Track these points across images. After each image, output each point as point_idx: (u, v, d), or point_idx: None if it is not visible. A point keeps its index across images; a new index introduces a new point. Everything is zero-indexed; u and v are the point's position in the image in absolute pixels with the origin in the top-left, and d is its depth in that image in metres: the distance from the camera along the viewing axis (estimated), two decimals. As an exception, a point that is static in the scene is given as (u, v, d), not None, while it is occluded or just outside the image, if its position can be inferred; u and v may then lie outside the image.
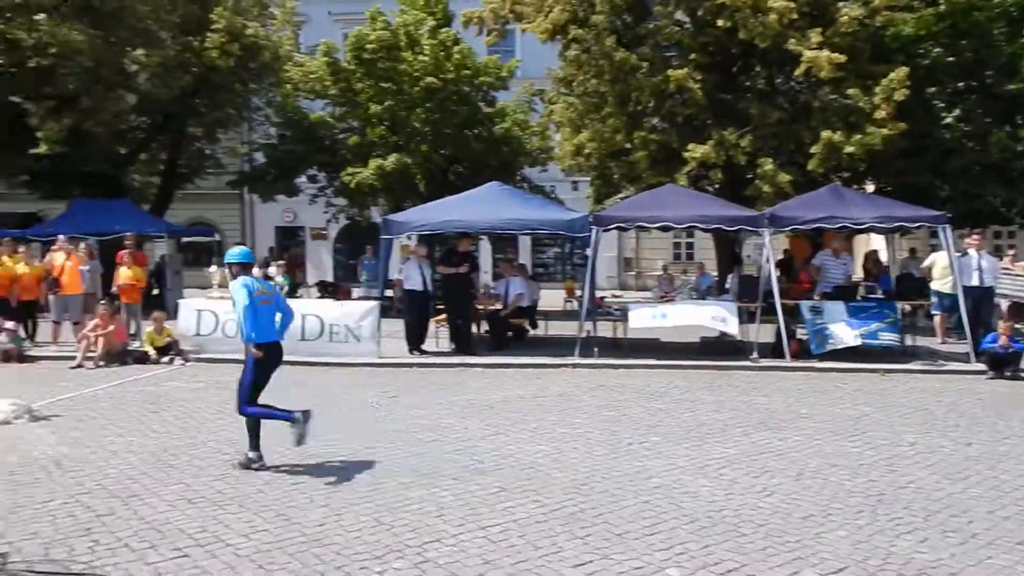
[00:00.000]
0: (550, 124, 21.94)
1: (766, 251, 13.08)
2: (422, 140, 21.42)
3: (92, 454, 7.10)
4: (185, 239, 26.99)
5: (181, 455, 7.05)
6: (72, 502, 5.75)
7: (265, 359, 6.65)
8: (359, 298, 18.43)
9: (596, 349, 12.63)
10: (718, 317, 12.68)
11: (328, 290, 22.80)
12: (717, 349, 13.24)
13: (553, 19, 17.84)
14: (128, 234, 15.71)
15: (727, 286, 16.70)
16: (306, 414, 6.70)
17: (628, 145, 18.49)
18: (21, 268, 14.14)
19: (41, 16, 17.31)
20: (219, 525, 5.26)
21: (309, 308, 13.36)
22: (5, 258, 14.15)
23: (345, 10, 31.19)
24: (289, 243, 34.43)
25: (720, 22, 16.45)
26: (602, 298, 15.38)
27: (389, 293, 16.84)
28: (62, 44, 17.19)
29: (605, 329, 13.75)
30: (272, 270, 14.05)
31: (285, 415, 6.68)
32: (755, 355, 12.26)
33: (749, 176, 17.65)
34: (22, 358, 12.82)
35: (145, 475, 6.43)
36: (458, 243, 14.03)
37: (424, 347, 13.41)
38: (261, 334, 6.61)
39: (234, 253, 7.01)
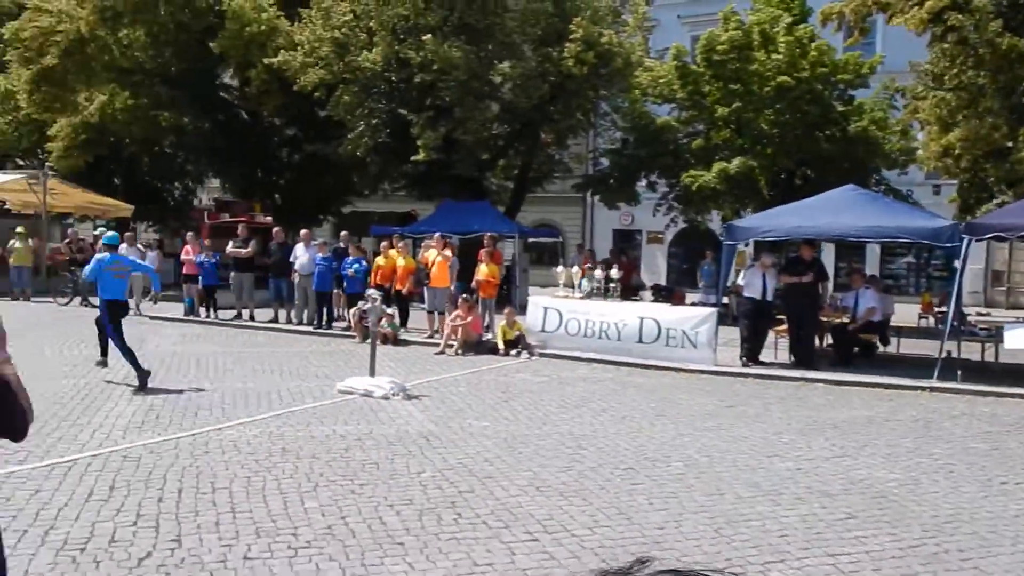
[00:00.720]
0: (913, 122, 20.10)
1: None
2: (768, 142, 20.75)
3: (454, 434, 7.87)
4: (532, 239, 28.72)
5: (529, 443, 7.55)
6: (439, 476, 6.43)
7: (113, 311, 9.94)
8: (695, 303, 18.35)
9: (959, 372, 11.36)
10: (1123, 346, 10.78)
11: (663, 294, 22.95)
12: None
13: (929, 7, 16.24)
14: (488, 233, 17.02)
15: None
16: (146, 375, 9.63)
17: (1009, 144, 16.39)
18: (400, 261, 16.07)
19: (427, 36, 19.53)
20: (564, 515, 5.56)
21: (647, 311, 13.62)
22: (391, 251, 16.22)
23: (694, 12, 31.24)
24: (625, 246, 35.20)
25: None
26: (965, 315, 13.79)
27: (726, 300, 16.55)
28: (443, 61, 19.30)
29: (970, 351, 12.34)
30: (614, 272, 14.53)
31: (139, 369, 9.56)
32: None
33: None
34: (396, 341, 14.55)
35: (498, 458, 6.99)
36: (802, 250, 13.41)
37: (761, 358, 13.01)
38: (108, 293, 10.01)
39: (106, 236, 10.71)
